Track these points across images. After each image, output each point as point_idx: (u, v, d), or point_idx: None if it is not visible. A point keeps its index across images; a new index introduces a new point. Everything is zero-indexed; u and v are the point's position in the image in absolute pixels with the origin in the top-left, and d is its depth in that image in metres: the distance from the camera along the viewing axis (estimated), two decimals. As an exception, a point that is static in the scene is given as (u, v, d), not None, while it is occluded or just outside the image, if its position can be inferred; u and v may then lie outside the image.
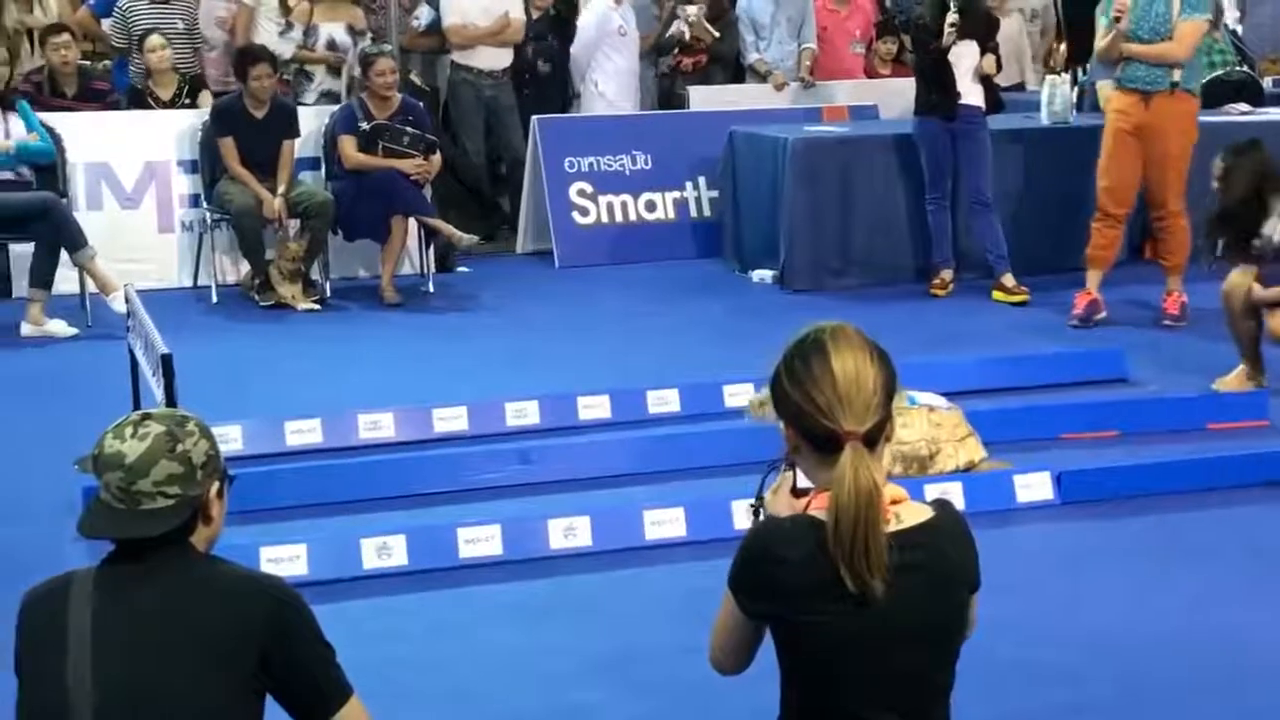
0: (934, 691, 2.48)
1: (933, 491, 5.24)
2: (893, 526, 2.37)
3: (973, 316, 8.55)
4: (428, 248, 9.38)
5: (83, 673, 2.46)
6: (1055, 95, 9.54)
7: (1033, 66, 11.94)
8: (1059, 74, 10.15)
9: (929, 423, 5.68)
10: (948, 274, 9.07)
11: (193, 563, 2.58)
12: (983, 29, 8.83)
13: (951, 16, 8.62)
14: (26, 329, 8.14)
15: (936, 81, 8.79)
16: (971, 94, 8.82)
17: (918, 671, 2.43)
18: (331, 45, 10.00)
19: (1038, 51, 12.13)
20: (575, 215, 10.13)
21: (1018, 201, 9.38)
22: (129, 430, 2.58)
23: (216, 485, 2.64)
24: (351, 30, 10.01)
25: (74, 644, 2.47)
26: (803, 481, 2.60)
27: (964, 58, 8.78)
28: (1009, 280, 8.86)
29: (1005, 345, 7.67)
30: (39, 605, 2.56)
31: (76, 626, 2.48)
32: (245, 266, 9.08)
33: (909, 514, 2.42)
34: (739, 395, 6.52)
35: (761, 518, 2.62)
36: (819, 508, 2.40)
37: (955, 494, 5.38)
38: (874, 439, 2.39)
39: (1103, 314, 8.23)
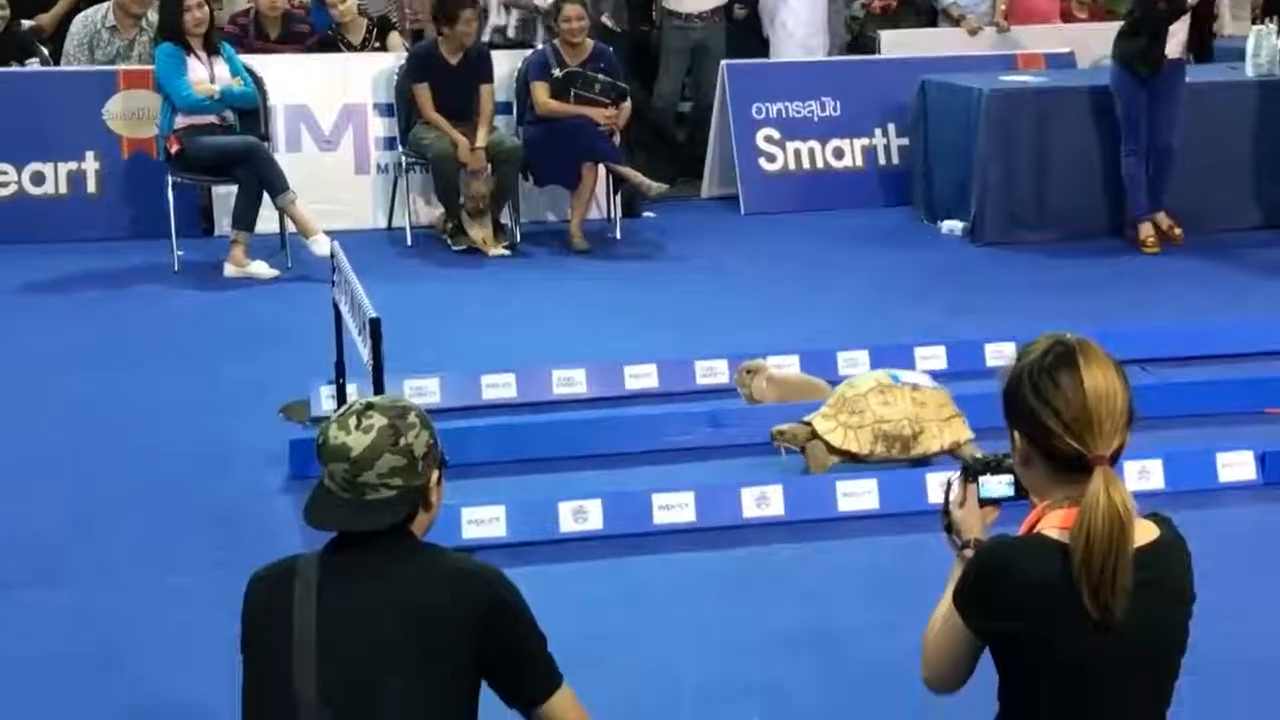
0: (1156, 713, 2.45)
1: (1132, 469, 5.16)
2: None
3: (1172, 277, 8.32)
4: (615, 194, 9.42)
5: (307, 660, 2.55)
6: (1261, 47, 9.21)
7: (1231, 12, 11.54)
8: (1263, 23, 9.77)
9: (912, 401, 5.49)
10: (1149, 227, 8.84)
11: (412, 552, 2.66)
12: None
13: None
14: (230, 270, 8.31)
15: (1152, 37, 8.54)
16: (1173, 46, 8.58)
17: (1144, 693, 2.41)
18: None
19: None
20: (762, 161, 10.08)
21: (1211, 156, 9.08)
22: (353, 422, 2.64)
23: (436, 474, 2.71)
24: None
25: (299, 633, 2.56)
26: (986, 491, 2.57)
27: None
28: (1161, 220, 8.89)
29: (1207, 309, 7.48)
30: (265, 591, 2.66)
31: (301, 616, 2.57)
32: (439, 209, 9.21)
33: (1139, 532, 2.37)
34: (931, 359, 6.46)
35: (953, 534, 2.60)
36: (1055, 527, 2.36)
37: (1155, 472, 5.28)
38: (1116, 458, 2.35)
39: None
